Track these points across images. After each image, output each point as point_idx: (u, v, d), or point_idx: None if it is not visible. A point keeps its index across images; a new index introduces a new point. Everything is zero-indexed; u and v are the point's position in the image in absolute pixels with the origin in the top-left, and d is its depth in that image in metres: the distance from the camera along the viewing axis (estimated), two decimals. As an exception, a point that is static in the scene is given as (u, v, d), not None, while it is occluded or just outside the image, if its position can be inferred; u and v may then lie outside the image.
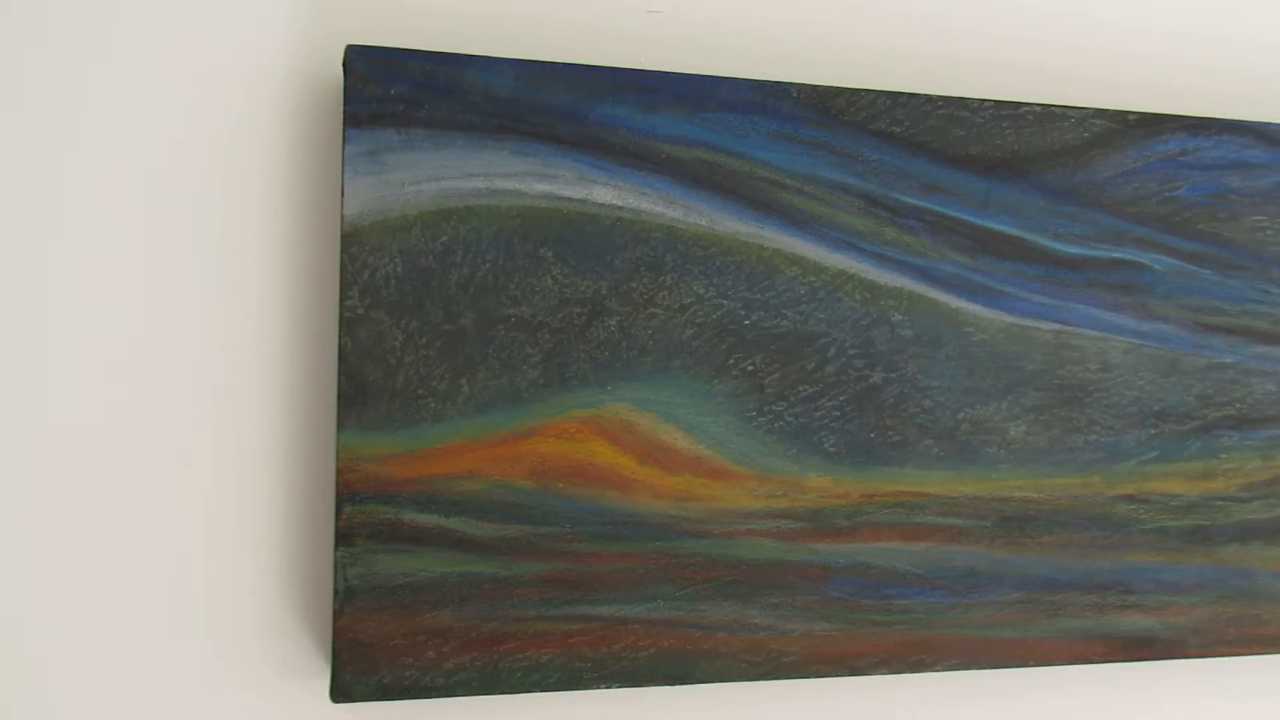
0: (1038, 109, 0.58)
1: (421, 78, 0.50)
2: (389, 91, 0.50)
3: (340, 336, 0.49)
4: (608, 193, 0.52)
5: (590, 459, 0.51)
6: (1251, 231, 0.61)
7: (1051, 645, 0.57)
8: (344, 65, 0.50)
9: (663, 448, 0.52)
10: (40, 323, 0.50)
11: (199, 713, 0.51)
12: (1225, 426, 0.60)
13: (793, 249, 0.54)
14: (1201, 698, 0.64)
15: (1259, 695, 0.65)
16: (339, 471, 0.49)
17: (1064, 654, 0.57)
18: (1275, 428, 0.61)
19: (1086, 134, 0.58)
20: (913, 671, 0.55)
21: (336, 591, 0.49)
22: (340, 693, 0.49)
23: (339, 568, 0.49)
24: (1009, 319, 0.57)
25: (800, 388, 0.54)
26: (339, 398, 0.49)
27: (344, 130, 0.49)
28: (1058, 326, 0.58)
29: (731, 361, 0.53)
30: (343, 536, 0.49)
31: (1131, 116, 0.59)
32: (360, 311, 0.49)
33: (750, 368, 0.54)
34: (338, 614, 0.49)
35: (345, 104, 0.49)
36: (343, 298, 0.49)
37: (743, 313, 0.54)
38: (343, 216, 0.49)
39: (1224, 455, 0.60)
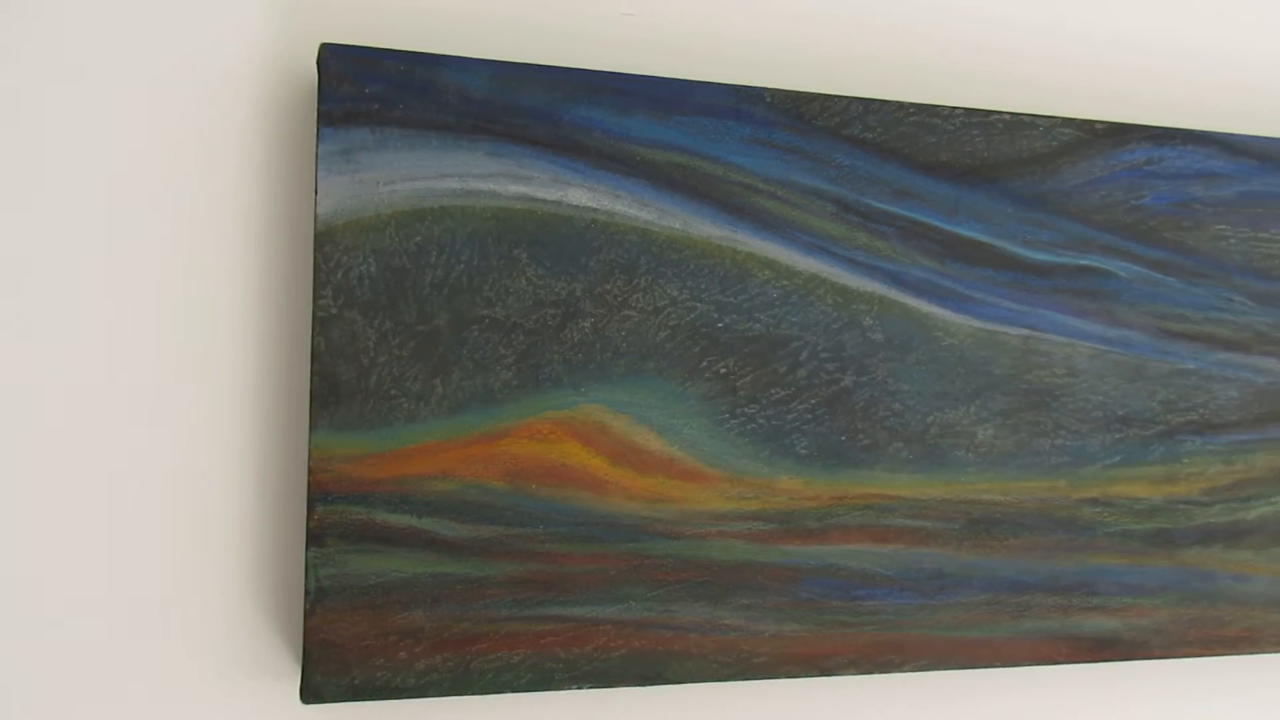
0: (1007, 117, 0.59)
1: (396, 77, 0.50)
2: (363, 90, 0.50)
3: (313, 336, 0.49)
4: (582, 195, 0.52)
5: (563, 460, 0.52)
6: (1215, 240, 0.62)
7: (1018, 646, 0.58)
8: (318, 64, 0.50)
9: (635, 449, 0.53)
10: (9, 320, 0.49)
11: (168, 713, 0.51)
12: (1188, 431, 0.61)
13: (766, 253, 0.55)
14: (1164, 698, 0.65)
15: (1220, 695, 0.67)
16: (311, 471, 0.48)
17: (1030, 655, 0.58)
18: (1236, 433, 0.62)
19: (1055, 143, 0.59)
20: (881, 672, 0.56)
21: (308, 592, 0.48)
22: (311, 693, 0.48)
23: (310, 568, 0.48)
24: (978, 324, 0.58)
25: (772, 390, 0.55)
26: (311, 397, 0.49)
27: (318, 129, 0.49)
28: (1025, 332, 0.59)
29: (705, 364, 0.54)
30: (314, 537, 0.48)
31: (1099, 126, 0.60)
32: (334, 311, 0.49)
33: (723, 370, 0.54)
34: (309, 614, 0.48)
35: (319, 103, 0.49)
36: (316, 297, 0.49)
37: (716, 316, 0.54)
38: (316, 215, 0.49)
39: (1186, 460, 0.61)
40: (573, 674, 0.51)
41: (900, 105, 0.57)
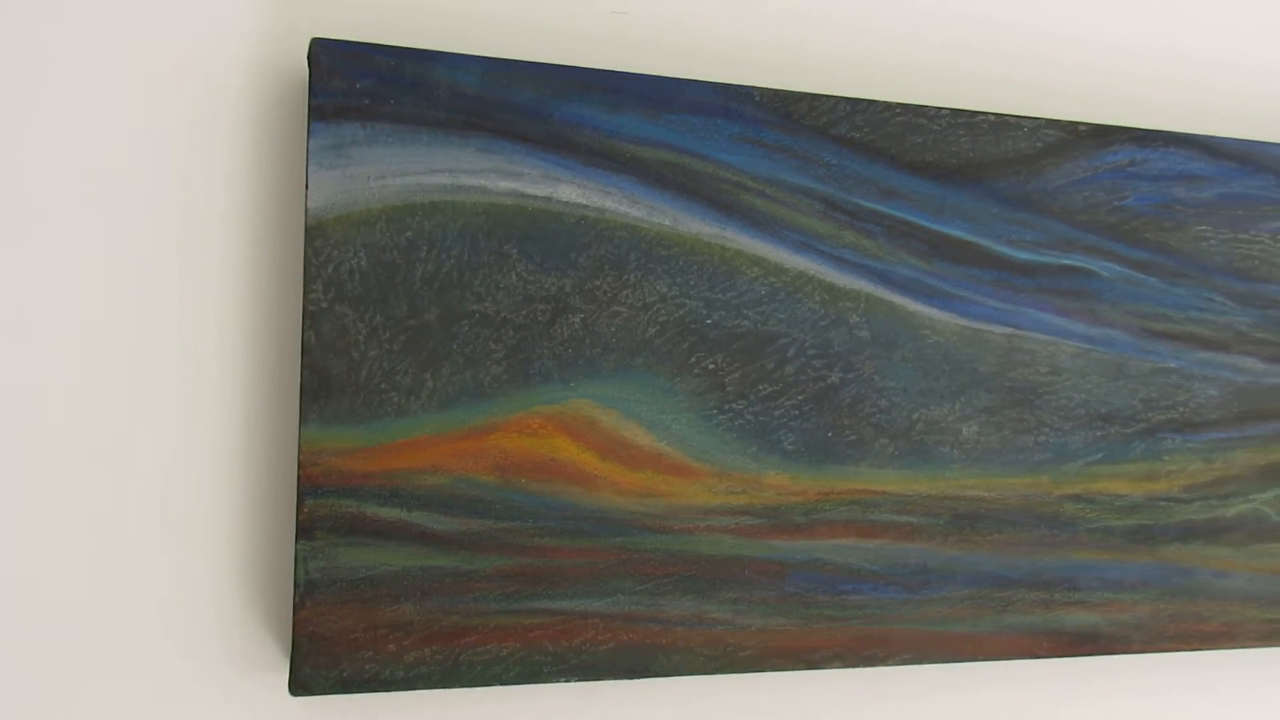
0: (992, 118, 0.59)
1: (387, 73, 0.50)
2: (354, 86, 0.50)
3: (304, 330, 0.49)
4: (572, 191, 0.53)
5: (553, 455, 0.52)
6: (1196, 241, 0.63)
7: (1000, 640, 0.59)
8: (309, 58, 0.50)
9: (624, 444, 0.53)
10: (-3, 312, 0.49)
11: (158, 706, 0.51)
12: (1169, 429, 0.62)
13: (754, 250, 0.55)
14: (1144, 692, 0.66)
15: (1199, 689, 0.67)
16: (301, 465, 0.49)
17: (1012, 649, 0.59)
18: (1216, 431, 0.63)
19: (1039, 143, 0.60)
20: (866, 665, 0.56)
21: (297, 584, 0.48)
22: (300, 685, 0.49)
23: (300, 561, 0.49)
24: (962, 322, 0.59)
25: (760, 387, 0.55)
26: (302, 391, 0.49)
27: (309, 124, 0.49)
28: (1009, 330, 0.59)
29: (693, 360, 0.54)
30: (304, 530, 0.49)
31: (1082, 127, 0.61)
32: (324, 305, 0.49)
33: (711, 366, 0.55)
34: (298, 607, 0.48)
35: (310, 97, 0.49)
36: (306, 291, 0.49)
37: (704, 312, 0.54)
38: (307, 210, 0.49)
39: (1167, 457, 0.62)
40: (561, 667, 0.52)
41: (887, 105, 0.57)
